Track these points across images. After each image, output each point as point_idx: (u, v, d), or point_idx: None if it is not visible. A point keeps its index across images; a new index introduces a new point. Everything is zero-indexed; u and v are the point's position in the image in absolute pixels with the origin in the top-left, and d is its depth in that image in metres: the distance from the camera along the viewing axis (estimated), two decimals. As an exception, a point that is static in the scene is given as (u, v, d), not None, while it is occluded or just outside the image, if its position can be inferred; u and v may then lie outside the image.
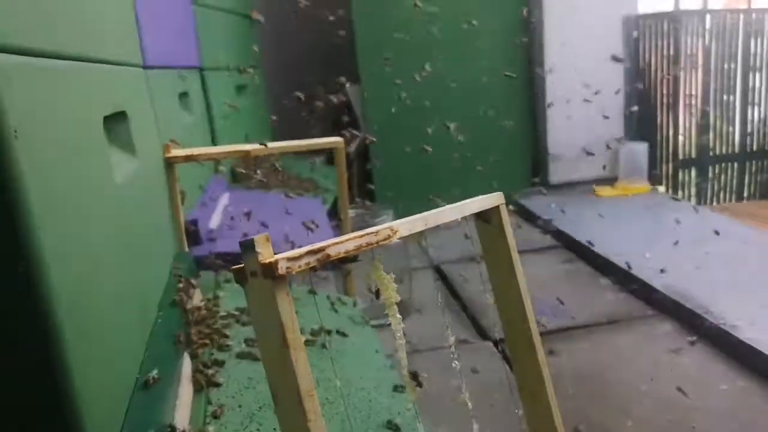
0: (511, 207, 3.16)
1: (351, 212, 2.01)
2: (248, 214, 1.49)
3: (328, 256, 0.59)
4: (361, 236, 0.63)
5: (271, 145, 1.43)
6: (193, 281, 1.18)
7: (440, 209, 0.76)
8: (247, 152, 1.40)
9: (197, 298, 1.22)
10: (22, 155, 0.50)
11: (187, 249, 1.36)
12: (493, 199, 0.84)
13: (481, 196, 0.83)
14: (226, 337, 1.08)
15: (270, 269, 0.54)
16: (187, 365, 0.92)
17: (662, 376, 1.57)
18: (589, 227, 2.57)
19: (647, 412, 1.43)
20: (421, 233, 0.72)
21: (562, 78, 3.04)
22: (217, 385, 0.92)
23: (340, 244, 0.60)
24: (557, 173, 3.15)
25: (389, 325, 2.01)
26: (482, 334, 1.90)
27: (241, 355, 1.03)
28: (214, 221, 1.81)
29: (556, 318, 1.93)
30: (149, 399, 0.74)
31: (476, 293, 2.16)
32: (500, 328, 0.92)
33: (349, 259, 0.67)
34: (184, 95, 1.83)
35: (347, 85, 3.18)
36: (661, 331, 1.82)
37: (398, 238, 0.68)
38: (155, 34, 1.48)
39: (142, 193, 1.03)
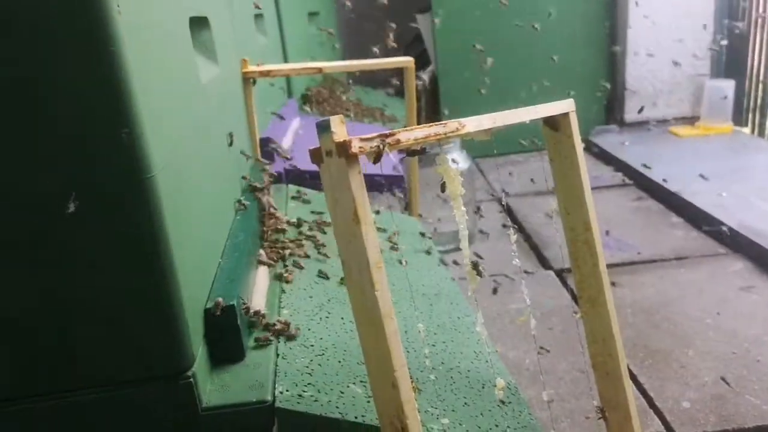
0: (582, 145, 3.08)
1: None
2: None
3: (398, 140, 0.62)
4: (430, 126, 0.65)
5: (343, 63, 1.46)
6: (266, 188, 1.25)
7: (510, 111, 0.77)
8: (319, 69, 1.44)
9: (271, 200, 1.29)
10: (123, 30, 0.55)
11: (260, 159, 1.42)
12: (564, 105, 0.84)
13: (551, 103, 0.83)
14: (298, 240, 1.15)
15: (344, 147, 0.58)
16: (263, 256, 0.99)
17: (729, 312, 1.55)
18: (664, 166, 2.49)
19: (710, 344, 1.42)
20: (489, 131, 0.74)
21: (646, 8, 2.88)
22: (287, 282, 0.99)
23: (410, 132, 0.63)
24: (634, 111, 3.03)
25: (453, 250, 2.05)
26: (544, 264, 1.91)
27: (299, 257, 1.09)
28: (287, 141, 1.87)
29: (621, 252, 1.91)
30: (230, 283, 0.81)
31: (540, 225, 2.16)
32: (562, 258, 0.92)
33: (417, 151, 0.70)
34: (259, 17, 1.87)
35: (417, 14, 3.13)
36: (732, 269, 1.77)
37: (466, 133, 0.70)
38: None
39: (223, 99, 1.09)
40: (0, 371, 0.61)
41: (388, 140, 0.61)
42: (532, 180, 2.56)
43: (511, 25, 2.83)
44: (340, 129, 0.59)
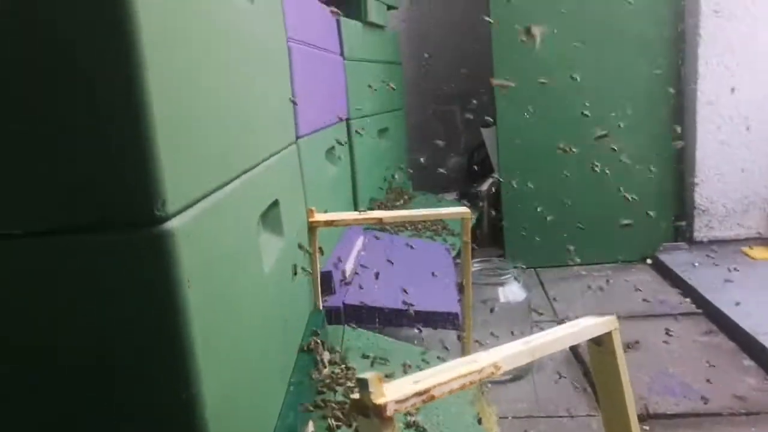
0: (648, 261, 3.01)
1: (476, 266, 2.05)
2: (377, 275, 1.59)
3: (433, 396, 0.66)
4: (465, 375, 0.69)
5: (399, 213, 1.53)
6: (321, 342, 1.30)
7: (548, 337, 0.79)
8: (380, 219, 1.51)
9: (326, 357, 1.34)
10: (193, 299, 0.62)
11: (321, 306, 1.49)
12: (606, 324, 0.86)
13: (593, 321, 0.86)
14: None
15: (379, 410, 0.62)
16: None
17: (802, 489, 1.44)
18: (737, 294, 2.38)
19: None
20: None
21: (717, 112, 2.83)
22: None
23: (445, 384, 0.67)
24: (704, 230, 2.94)
25: (506, 381, 2.03)
26: (602, 405, 1.85)
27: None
28: (348, 269, 1.94)
29: (685, 399, 1.83)
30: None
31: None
32: None
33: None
34: (330, 149, 1.98)
35: (482, 128, 3.23)
36: (808, 432, 1.66)
37: (502, 373, 0.73)
38: (309, 104, 1.63)
39: (286, 266, 1.16)
40: None
41: (423, 397, 0.65)
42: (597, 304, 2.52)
43: (575, 136, 2.86)
44: (377, 389, 0.64)
